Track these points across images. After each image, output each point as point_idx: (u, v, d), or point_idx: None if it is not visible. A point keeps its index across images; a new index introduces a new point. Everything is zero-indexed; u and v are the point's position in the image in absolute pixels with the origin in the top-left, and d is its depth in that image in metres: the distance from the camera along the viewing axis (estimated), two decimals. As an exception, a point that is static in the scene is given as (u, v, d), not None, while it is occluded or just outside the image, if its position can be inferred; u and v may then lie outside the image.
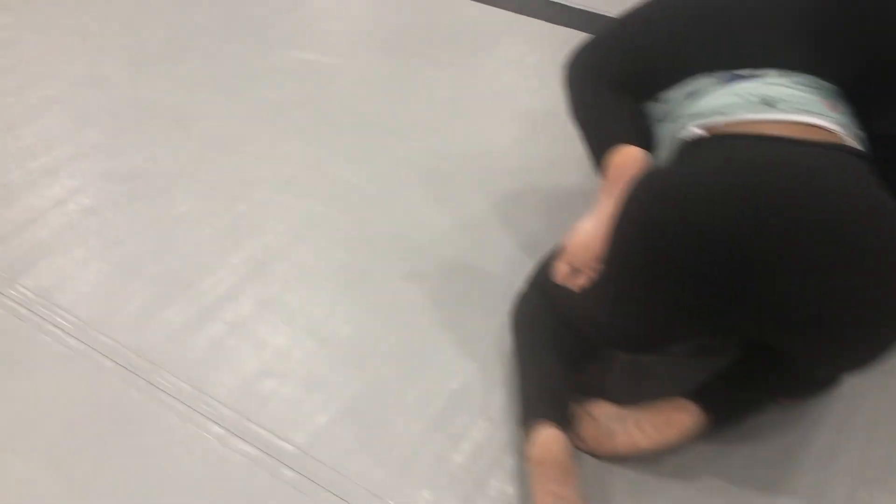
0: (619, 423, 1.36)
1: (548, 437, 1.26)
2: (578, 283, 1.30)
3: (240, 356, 1.52)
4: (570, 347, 1.43)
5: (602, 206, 1.29)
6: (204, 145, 2.05)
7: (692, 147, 1.23)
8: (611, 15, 2.59)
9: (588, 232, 1.28)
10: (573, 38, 2.52)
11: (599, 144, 1.37)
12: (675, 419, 1.33)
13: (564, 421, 1.32)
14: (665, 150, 1.34)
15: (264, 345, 1.54)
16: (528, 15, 2.72)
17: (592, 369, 1.49)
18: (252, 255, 1.73)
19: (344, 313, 1.61)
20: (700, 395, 1.34)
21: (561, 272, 1.32)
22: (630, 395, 1.42)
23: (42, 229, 1.78)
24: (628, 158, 1.28)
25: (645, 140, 1.37)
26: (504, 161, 2.02)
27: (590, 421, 1.37)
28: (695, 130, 1.24)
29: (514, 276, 1.66)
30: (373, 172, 1.98)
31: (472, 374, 1.50)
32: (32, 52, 2.41)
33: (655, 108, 1.41)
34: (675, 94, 1.36)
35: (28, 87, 2.25)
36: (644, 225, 1.15)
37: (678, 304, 1.16)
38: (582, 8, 2.73)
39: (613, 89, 1.41)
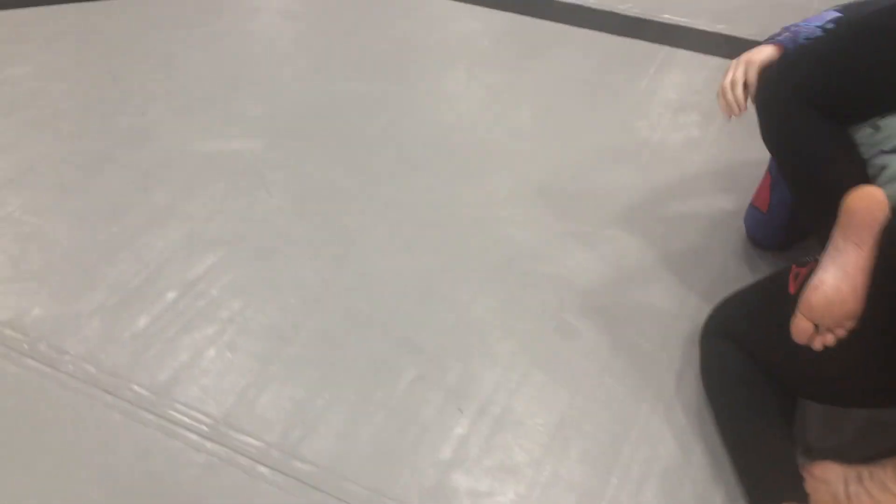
0: (858, 485, 1.22)
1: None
2: (826, 341, 1.16)
3: (418, 451, 1.34)
4: (780, 403, 1.31)
5: (847, 256, 1.15)
6: (291, 199, 1.85)
7: None
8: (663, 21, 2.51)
9: (835, 287, 1.14)
10: (617, 47, 2.42)
11: (825, 182, 1.24)
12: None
13: (804, 495, 1.19)
14: (886, 184, 1.20)
15: (444, 436, 1.36)
16: (574, 24, 2.59)
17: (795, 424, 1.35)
18: (385, 326, 1.55)
19: (513, 383, 1.44)
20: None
21: (803, 331, 1.18)
22: (840, 447, 1.30)
23: (137, 314, 1.57)
24: (873, 201, 1.13)
25: (865, 174, 1.24)
26: (629, 192, 1.87)
27: (821, 486, 1.23)
28: None
29: (687, 321, 1.52)
30: (489, 212, 1.81)
31: (669, 443, 1.35)
32: (63, 105, 2.17)
33: (867, 135, 1.28)
34: None
35: (69, 145, 2.02)
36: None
37: None
38: (626, 13, 2.61)
39: (823, 115, 1.27)
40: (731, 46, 2.43)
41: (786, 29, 1.47)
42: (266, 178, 1.91)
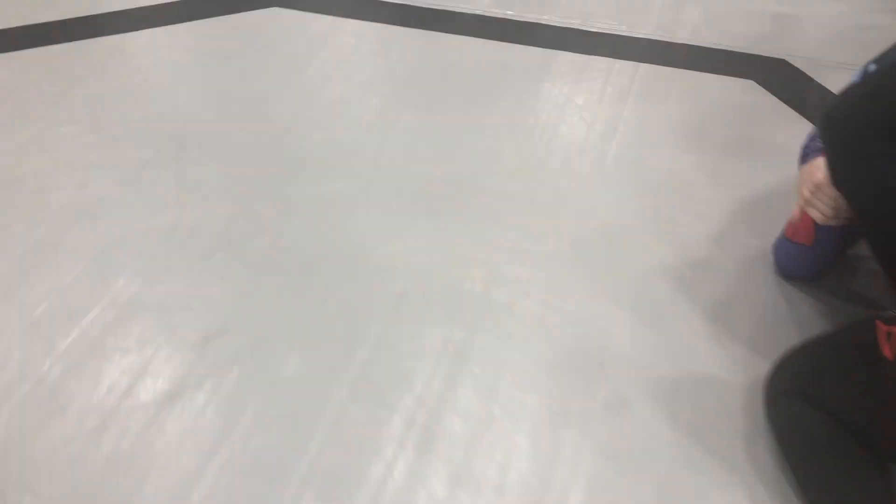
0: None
1: None
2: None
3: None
4: (875, 469, 1.20)
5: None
6: (277, 275, 1.64)
7: None
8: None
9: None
10: (571, 64, 2.27)
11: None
12: None
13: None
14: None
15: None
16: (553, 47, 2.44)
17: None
18: (412, 417, 1.37)
19: (576, 476, 1.28)
20: None
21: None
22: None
23: (121, 440, 1.33)
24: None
25: None
26: (644, 233, 1.73)
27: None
28: None
29: (740, 374, 1.40)
30: (498, 270, 1.64)
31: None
32: (-13, 183, 1.89)
33: None
34: None
35: (2, 234, 1.74)
36: None
37: None
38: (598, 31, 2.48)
39: None
40: (709, 59, 2.35)
41: (819, 135, 1.44)
42: (241, 251, 1.69)
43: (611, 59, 2.32)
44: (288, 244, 1.71)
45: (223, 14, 2.57)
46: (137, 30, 2.49)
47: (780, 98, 2.12)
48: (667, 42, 2.39)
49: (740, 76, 2.23)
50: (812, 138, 1.48)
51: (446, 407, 1.38)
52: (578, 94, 2.18)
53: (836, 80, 2.17)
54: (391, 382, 1.42)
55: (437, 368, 1.45)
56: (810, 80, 2.19)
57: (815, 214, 1.43)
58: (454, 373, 1.44)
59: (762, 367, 1.43)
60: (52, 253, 1.68)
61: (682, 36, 2.42)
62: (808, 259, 1.54)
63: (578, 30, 2.47)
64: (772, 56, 2.31)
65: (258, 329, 1.52)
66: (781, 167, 1.87)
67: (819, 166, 1.41)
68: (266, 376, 1.43)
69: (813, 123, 2.01)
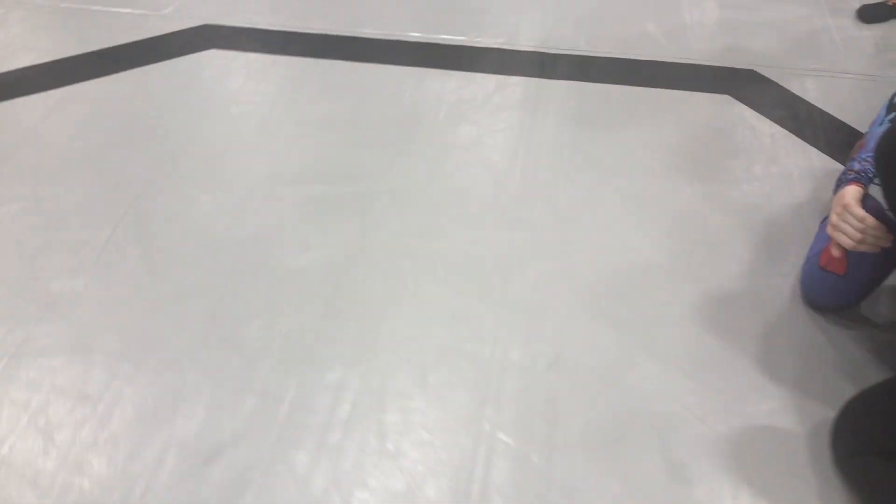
0: None
1: None
2: None
3: None
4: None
5: None
6: (284, 369, 1.48)
7: None
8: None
9: None
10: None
11: None
12: None
13: None
14: None
15: None
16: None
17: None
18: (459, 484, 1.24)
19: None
20: None
21: None
22: None
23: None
24: None
25: None
26: (663, 271, 1.65)
27: None
28: None
29: (798, 425, 1.33)
30: (514, 321, 1.53)
31: None
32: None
33: None
34: None
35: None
36: None
37: None
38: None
39: None
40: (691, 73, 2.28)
41: (850, 167, 1.41)
42: (233, 340, 1.52)
43: (579, 83, 2.23)
44: (284, 328, 1.55)
45: (158, 61, 2.36)
46: (64, 85, 2.25)
47: (761, 113, 2.07)
48: (631, 59, 2.32)
49: (714, 91, 2.18)
50: (845, 171, 1.43)
51: (500, 499, 1.26)
52: (548, 122, 2.07)
53: (810, 89, 2.14)
54: (433, 478, 1.29)
55: (479, 456, 1.32)
56: (784, 90, 2.16)
57: (843, 239, 1.37)
58: (502, 459, 1.32)
59: (817, 411, 1.38)
60: (13, 363, 1.47)
61: (645, 52, 2.35)
62: (838, 288, 1.49)
63: (535, 52, 2.36)
64: (738, 67, 2.27)
65: (271, 435, 1.36)
66: (786, 188, 1.83)
67: (848, 192, 1.37)
68: (291, 494, 1.27)
69: (802, 139, 1.98)
